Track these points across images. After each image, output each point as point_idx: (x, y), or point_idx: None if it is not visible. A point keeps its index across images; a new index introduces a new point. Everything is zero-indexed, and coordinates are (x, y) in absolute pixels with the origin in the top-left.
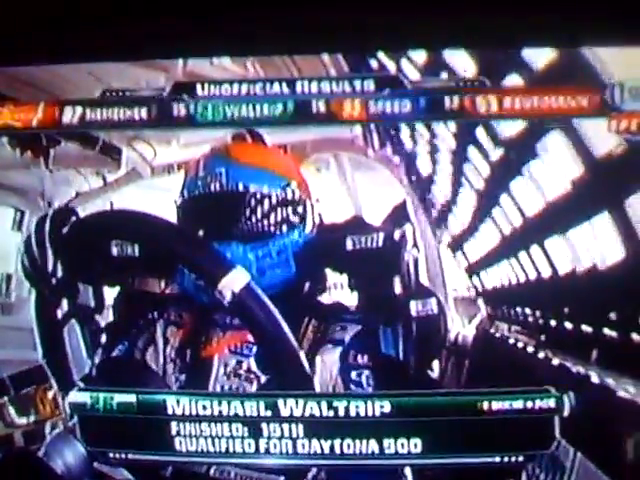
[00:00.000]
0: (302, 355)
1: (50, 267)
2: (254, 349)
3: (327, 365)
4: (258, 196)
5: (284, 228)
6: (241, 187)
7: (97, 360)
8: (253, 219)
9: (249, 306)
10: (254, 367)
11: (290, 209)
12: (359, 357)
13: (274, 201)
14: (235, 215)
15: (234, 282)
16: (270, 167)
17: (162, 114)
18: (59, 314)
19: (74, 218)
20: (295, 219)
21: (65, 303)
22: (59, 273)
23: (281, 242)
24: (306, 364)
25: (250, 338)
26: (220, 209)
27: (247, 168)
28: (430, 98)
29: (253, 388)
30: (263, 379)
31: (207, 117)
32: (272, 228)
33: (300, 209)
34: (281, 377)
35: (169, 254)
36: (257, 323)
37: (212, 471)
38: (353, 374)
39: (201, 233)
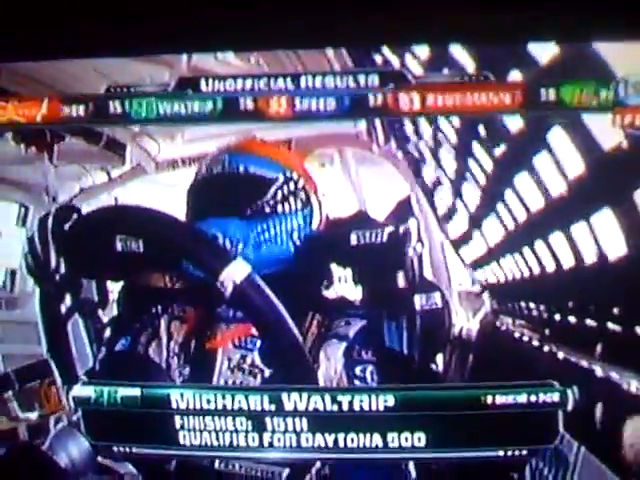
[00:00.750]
0: (305, 347)
1: (53, 264)
2: (258, 343)
3: (331, 360)
4: (258, 178)
5: (282, 208)
6: (242, 169)
7: (101, 354)
8: (252, 198)
9: (251, 297)
10: (258, 361)
11: (290, 193)
12: (363, 352)
13: (274, 183)
14: (234, 194)
15: (235, 273)
16: (273, 157)
17: (99, 111)
18: (63, 309)
19: (76, 215)
20: (295, 203)
21: (68, 298)
22: (62, 269)
23: (281, 220)
24: (310, 357)
25: (254, 332)
26: (221, 189)
27: (250, 155)
28: (354, 95)
29: (257, 382)
30: (267, 373)
31: (140, 114)
32: (271, 207)
33: (302, 195)
34: (285, 371)
35: (172, 249)
36: (259, 314)
37: (217, 464)
38: (357, 369)
39: (202, 211)
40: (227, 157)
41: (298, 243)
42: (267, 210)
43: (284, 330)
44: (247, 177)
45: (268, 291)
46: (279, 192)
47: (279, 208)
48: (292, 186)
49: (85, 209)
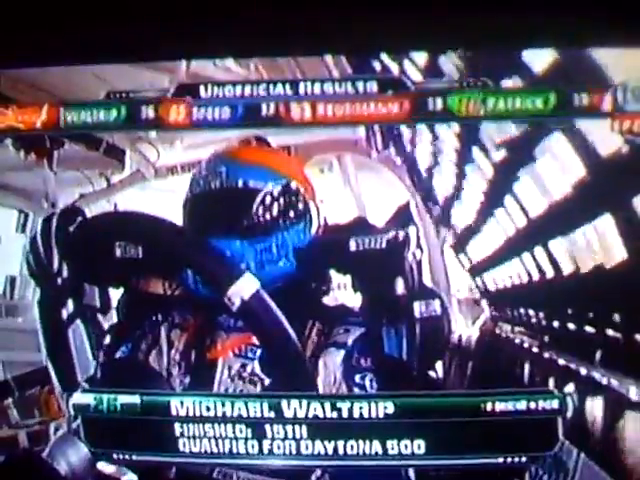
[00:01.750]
0: (306, 359)
1: (55, 266)
2: (258, 352)
3: (330, 369)
4: (258, 192)
5: (285, 223)
6: (241, 183)
7: (101, 361)
8: (252, 214)
9: (257, 313)
10: (258, 370)
11: (290, 205)
12: (362, 360)
13: (274, 197)
14: (235, 211)
15: (244, 289)
16: (271, 166)
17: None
18: (64, 314)
19: (80, 218)
20: (295, 215)
21: (71, 303)
22: (64, 273)
23: (281, 237)
24: (310, 368)
25: (254, 341)
26: (220, 206)
27: (248, 166)
28: (248, 104)
29: (257, 391)
30: (267, 382)
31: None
32: (271, 223)
33: (301, 206)
34: (285, 381)
35: (174, 256)
36: (264, 330)
37: (215, 473)
38: (357, 377)
39: (202, 230)
40: (225, 169)
41: (298, 251)
42: (267, 227)
43: (286, 341)
44: (246, 192)
45: (274, 306)
46: (279, 205)
47: (279, 223)
48: (291, 196)
49: (88, 213)
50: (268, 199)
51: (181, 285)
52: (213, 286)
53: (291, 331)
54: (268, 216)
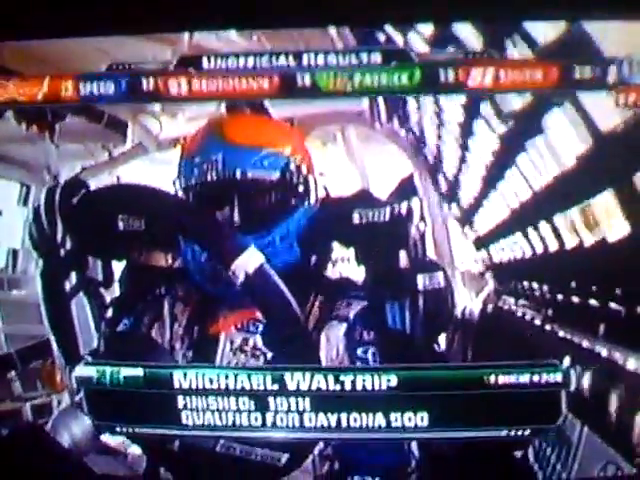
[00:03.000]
0: (309, 333)
1: (59, 238)
2: (260, 326)
3: (332, 342)
4: (257, 182)
5: (286, 213)
6: (239, 174)
7: (104, 334)
8: (254, 208)
9: (261, 288)
10: (260, 344)
11: (291, 191)
12: (365, 333)
13: (274, 185)
14: (235, 205)
15: (248, 263)
16: (268, 145)
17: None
18: (67, 286)
19: (84, 190)
20: (296, 201)
21: (73, 275)
22: (68, 245)
23: (284, 228)
24: (313, 341)
25: (257, 315)
26: (219, 199)
27: (244, 150)
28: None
29: (259, 364)
30: (269, 356)
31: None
32: (273, 215)
33: (301, 188)
34: (287, 354)
35: (177, 228)
36: (268, 304)
37: (218, 447)
38: (359, 351)
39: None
40: (220, 156)
41: (301, 229)
42: (267, 218)
43: (288, 314)
44: (245, 184)
45: (278, 280)
46: (279, 194)
47: (281, 213)
48: (291, 179)
49: (92, 186)
50: (269, 189)
51: (184, 258)
52: (217, 259)
53: (294, 304)
54: (269, 208)
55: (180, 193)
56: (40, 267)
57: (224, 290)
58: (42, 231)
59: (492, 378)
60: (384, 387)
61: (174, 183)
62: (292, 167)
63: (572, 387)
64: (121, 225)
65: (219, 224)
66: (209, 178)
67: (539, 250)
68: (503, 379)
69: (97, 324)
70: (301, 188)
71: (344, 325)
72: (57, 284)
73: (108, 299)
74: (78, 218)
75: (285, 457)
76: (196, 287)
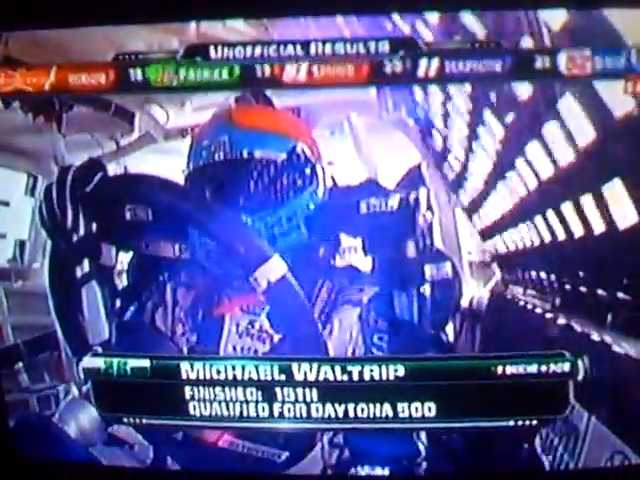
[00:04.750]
0: (315, 313)
1: (70, 223)
2: (267, 308)
3: (344, 326)
4: (264, 162)
5: (292, 193)
6: (245, 154)
7: (115, 324)
8: (260, 187)
9: (282, 296)
10: (266, 326)
11: (297, 173)
12: (380, 321)
13: (280, 166)
14: (241, 184)
15: (271, 272)
16: (275, 129)
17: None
18: (78, 273)
19: (100, 174)
20: (303, 182)
21: (86, 263)
22: (81, 230)
23: (290, 208)
24: (320, 324)
25: (262, 298)
26: (226, 179)
27: (251, 132)
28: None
29: (266, 348)
30: (276, 339)
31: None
32: (280, 195)
33: (308, 171)
34: (294, 336)
35: (187, 220)
36: (285, 308)
37: (221, 442)
38: (375, 337)
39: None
40: (227, 137)
41: (308, 217)
42: (273, 197)
43: (299, 308)
44: (252, 163)
45: (298, 288)
46: (286, 174)
47: (287, 193)
48: (298, 162)
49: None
50: (275, 169)
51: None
52: (240, 265)
53: (304, 298)
54: (276, 187)
55: (189, 177)
56: (49, 253)
57: (230, 270)
58: (53, 215)
59: (499, 368)
60: (391, 377)
61: (183, 172)
62: (299, 150)
63: (579, 377)
64: (128, 215)
65: (246, 228)
66: (217, 158)
67: (547, 239)
68: (510, 369)
69: (108, 314)
70: (308, 171)
71: (357, 309)
72: (67, 271)
73: (120, 288)
74: (91, 203)
75: (285, 455)
76: (201, 269)
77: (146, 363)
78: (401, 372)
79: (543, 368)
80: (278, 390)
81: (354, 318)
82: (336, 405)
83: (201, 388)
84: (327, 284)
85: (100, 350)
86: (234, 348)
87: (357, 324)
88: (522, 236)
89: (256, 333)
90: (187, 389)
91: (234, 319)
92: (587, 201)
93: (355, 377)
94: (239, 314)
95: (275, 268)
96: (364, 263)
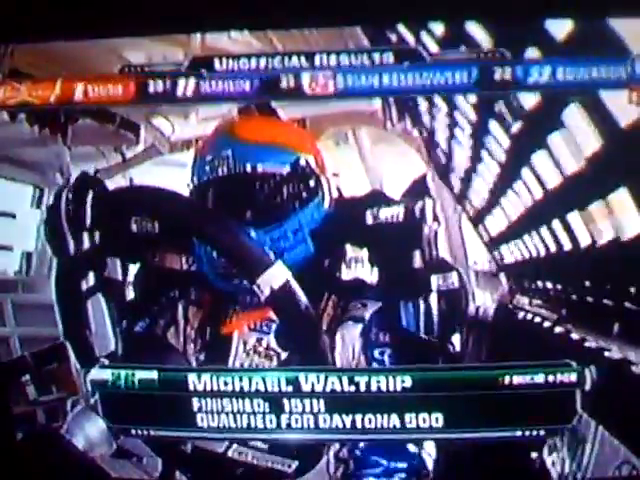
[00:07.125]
0: (321, 329)
1: (73, 237)
2: (273, 326)
3: (347, 342)
4: (267, 176)
5: (297, 206)
6: (249, 168)
7: (122, 336)
8: (264, 201)
9: (286, 303)
10: (274, 344)
11: (302, 185)
12: (381, 335)
13: (284, 179)
14: (246, 198)
15: (274, 279)
16: (278, 142)
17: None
18: (84, 286)
19: (97, 189)
20: (308, 195)
21: (91, 276)
22: (85, 243)
23: (295, 221)
24: (326, 341)
25: (270, 315)
26: (230, 193)
27: (254, 146)
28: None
29: (273, 365)
30: (283, 356)
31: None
32: (284, 208)
33: (312, 183)
34: (301, 354)
35: (192, 232)
36: (290, 317)
37: (230, 452)
38: (376, 352)
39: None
40: (230, 152)
41: (314, 229)
42: (281, 212)
43: (306, 321)
44: (255, 178)
45: (301, 294)
46: (290, 187)
47: (292, 206)
48: (302, 174)
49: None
50: (279, 182)
51: (196, 255)
52: (242, 273)
53: (309, 305)
54: (280, 201)
55: (193, 193)
56: (55, 267)
57: (236, 287)
58: (59, 228)
59: (507, 378)
60: (399, 388)
61: (188, 186)
62: (302, 163)
63: (587, 387)
64: (134, 227)
65: (247, 236)
66: (220, 173)
67: (553, 250)
68: (518, 379)
69: (114, 326)
70: (312, 183)
71: (360, 325)
72: (73, 285)
73: (126, 300)
74: (94, 216)
75: (295, 464)
76: (209, 287)
77: (154, 375)
78: (408, 383)
79: (550, 378)
80: (285, 401)
81: (356, 334)
82: (343, 416)
83: (209, 400)
84: (333, 298)
85: (107, 362)
86: (242, 366)
87: (359, 340)
88: (528, 246)
89: (263, 351)
90: (195, 401)
91: (242, 337)
92: (592, 211)
93: (362, 388)
94: (247, 332)
95: (277, 274)
96: (370, 274)
